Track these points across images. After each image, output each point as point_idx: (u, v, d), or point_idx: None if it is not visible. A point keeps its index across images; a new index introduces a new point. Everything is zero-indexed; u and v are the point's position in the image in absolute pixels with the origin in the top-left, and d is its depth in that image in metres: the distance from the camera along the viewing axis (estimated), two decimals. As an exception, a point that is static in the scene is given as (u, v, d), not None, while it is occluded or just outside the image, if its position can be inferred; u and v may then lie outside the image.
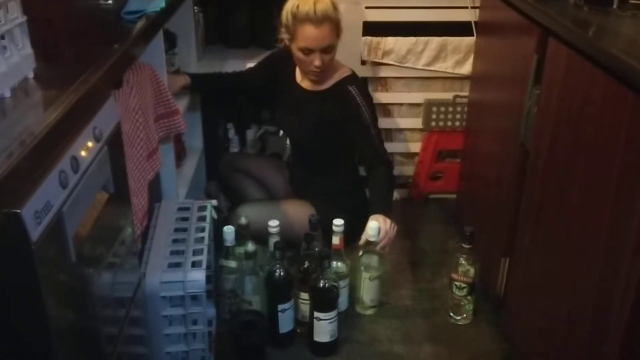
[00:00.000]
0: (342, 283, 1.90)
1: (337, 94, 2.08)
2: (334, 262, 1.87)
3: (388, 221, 1.94)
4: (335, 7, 1.96)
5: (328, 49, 1.98)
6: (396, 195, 2.68)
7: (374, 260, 1.93)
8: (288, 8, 1.97)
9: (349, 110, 2.05)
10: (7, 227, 0.81)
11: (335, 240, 1.88)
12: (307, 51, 1.98)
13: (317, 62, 1.98)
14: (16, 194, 0.83)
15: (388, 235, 1.92)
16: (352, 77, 2.10)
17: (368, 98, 2.11)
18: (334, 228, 1.88)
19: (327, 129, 2.11)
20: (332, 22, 1.95)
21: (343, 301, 1.93)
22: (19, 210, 0.82)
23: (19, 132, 0.89)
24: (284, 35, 2.03)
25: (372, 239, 1.90)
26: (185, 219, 1.75)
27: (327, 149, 2.17)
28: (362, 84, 2.15)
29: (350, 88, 2.06)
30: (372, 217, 1.94)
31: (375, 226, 1.89)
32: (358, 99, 2.05)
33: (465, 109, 2.41)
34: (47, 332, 0.90)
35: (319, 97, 2.12)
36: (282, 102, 2.25)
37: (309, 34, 1.94)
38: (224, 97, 2.51)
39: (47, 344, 0.91)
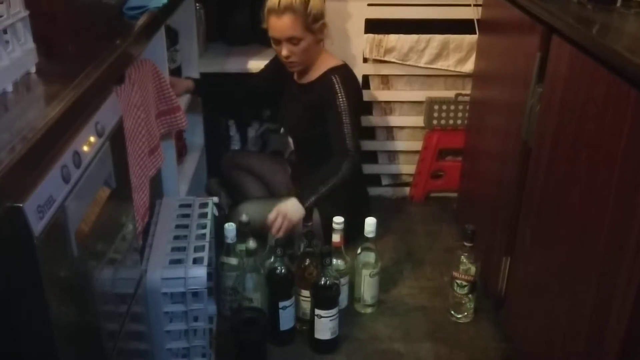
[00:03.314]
0: (342, 280, 1.90)
1: (320, 83, 2.10)
2: (334, 260, 1.87)
3: (290, 207, 1.93)
4: (305, 0, 1.98)
5: (293, 40, 2.01)
6: (397, 193, 2.68)
7: (371, 257, 1.93)
8: (266, 2, 2.03)
9: (325, 97, 2.06)
10: (10, 221, 0.81)
11: (336, 237, 1.88)
12: (276, 41, 2.04)
13: (283, 52, 2.03)
14: (19, 189, 0.82)
15: (277, 222, 1.91)
16: (338, 68, 2.11)
17: (350, 88, 2.08)
18: (334, 226, 1.88)
19: (313, 119, 2.12)
20: (295, 13, 1.97)
21: (342, 299, 1.93)
22: (21, 205, 0.82)
23: (21, 127, 0.89)
24: (264, 26, 2.07)
25: (369, 235, 1.90)
26: (187, 216, 1.75)
27: (322, 143, 2.16)
28: (348, 74, 2.13)
29: (332, 77, 2.07)
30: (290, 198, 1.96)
31: (373, 222, 1.89)
32: (337, 86, 2.05)
33: (467, 107, 2.41)
34: (48, 327, 0.90)
35: (306, 88, 2.15)
36: (282, 99, 2.27)
37: (272, 24, 2.01)
38: (228, 104, 2.52)
39: (49, 338, 0.91)
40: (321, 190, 1.98)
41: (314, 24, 2.01)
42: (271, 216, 1.92)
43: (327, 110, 2.06)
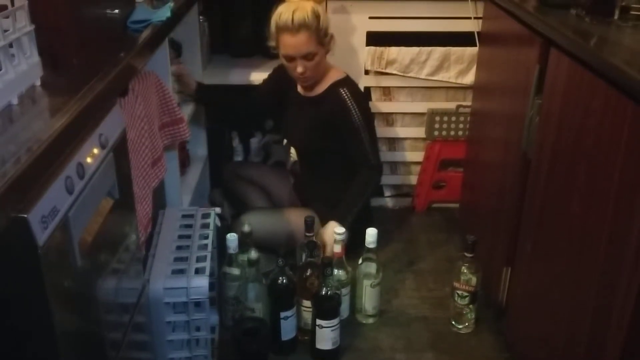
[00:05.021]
0: (344, 291, 1.91)
1: (328, 97, 2.11)
2: (336, 270, 1.88)
3: (334, 230, 1.93)
4: (316, 15, 1.99)
5: (308, 56, 2.01)
6: (399, 203, 2.69)
7: (372, 267, 1.94)
8: (272, 17, 2.02)
9: (338, 112, 2.07)
10: (14, 232, 0.82)
11: (337, 248, 1.89)
12: (289, 58, 2.04)
13: (299, 69, 2.03)
14: (23, 199, 0.84)
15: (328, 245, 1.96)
16: (344, 81, 2.12)
17: (360, 101, 2.12)
18: (336, 236, 1.89)
19: (322, 132, 2.14)
20: (309, 29, 1.97)
21: (344, 309, 1.94)
22: (25, 215, 0.83)
23: (26, 139, 0.90)
24: (272, 44, 2.07)
25: (370, 246, 1.91)
26: (189, 226, 1.76)
27: (327, 155, 2.18)
28: (355, 87, 2.16)
29: (342, 91, 2.08)
30: (329, 222, 2.00)
31: (374, 232, 1.90)
32: (348, 101, 2.06)
33: (468, 118, 2.43)
34: (52, 337, 0.91)
35: (313, 101, 2.15)
36: (285, 111, 2.28)
37: (286, 42, 2.00)
38: (229, 115, 2.53)
39: (52, 348, 0.92)
40: (356, 207, 2.05)
41: (325, 37, 2.03)
42: (328, 249, 1.96)
43: (341, 127, 2.08)
